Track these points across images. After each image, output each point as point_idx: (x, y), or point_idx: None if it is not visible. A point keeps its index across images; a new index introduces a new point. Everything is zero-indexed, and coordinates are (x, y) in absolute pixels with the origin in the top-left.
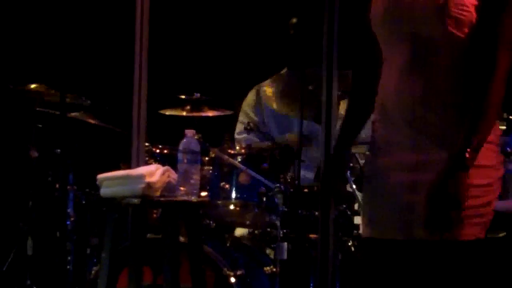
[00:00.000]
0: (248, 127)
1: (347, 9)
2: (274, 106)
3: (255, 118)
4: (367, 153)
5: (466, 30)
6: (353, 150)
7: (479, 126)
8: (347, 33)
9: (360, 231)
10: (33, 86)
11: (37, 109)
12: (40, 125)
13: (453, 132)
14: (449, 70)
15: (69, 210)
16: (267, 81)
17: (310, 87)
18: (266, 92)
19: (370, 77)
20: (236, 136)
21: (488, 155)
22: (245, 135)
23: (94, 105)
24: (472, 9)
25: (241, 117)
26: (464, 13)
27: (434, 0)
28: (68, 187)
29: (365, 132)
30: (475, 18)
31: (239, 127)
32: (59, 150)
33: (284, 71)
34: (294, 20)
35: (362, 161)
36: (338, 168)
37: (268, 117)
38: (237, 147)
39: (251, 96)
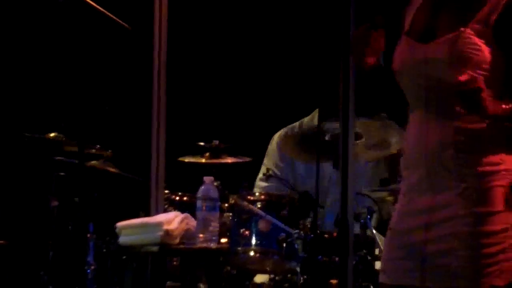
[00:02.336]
0: (267, 174)
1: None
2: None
3: (280, 164)
4: (387, 198)
5: (479, 67)
6: (373, 195)
7: None
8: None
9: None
10: (52, 135)
11: (56, 158)
12: (62, 173)
13: (468, 174)
14: (464, 113)
15: (89, 259)
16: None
17: (326, 138)
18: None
19: None
20: (257, 182)
21: (503, 199)
22: (264, 183)
23: (113, 154)
24: (484, 48)
25: (265, 160)
26: (476, 52)
27: (445, 47)
28: (88, 235)
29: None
30: (489, 57)
31: (262, 171)
32: (77, 199)
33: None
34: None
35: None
36: None
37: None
38: (256, 194)
39: (277, 139)
